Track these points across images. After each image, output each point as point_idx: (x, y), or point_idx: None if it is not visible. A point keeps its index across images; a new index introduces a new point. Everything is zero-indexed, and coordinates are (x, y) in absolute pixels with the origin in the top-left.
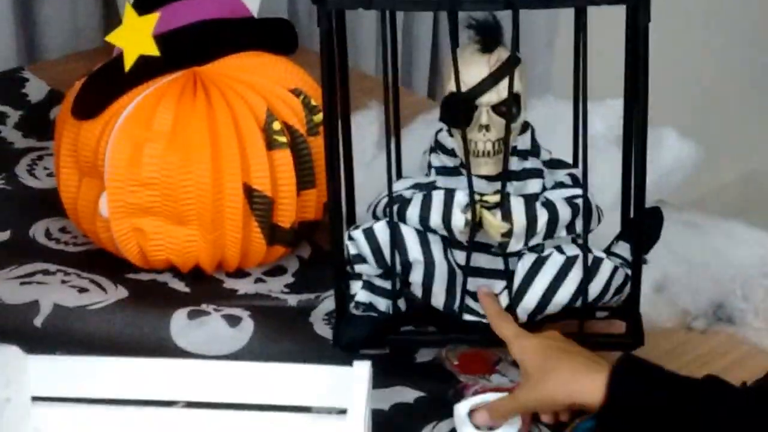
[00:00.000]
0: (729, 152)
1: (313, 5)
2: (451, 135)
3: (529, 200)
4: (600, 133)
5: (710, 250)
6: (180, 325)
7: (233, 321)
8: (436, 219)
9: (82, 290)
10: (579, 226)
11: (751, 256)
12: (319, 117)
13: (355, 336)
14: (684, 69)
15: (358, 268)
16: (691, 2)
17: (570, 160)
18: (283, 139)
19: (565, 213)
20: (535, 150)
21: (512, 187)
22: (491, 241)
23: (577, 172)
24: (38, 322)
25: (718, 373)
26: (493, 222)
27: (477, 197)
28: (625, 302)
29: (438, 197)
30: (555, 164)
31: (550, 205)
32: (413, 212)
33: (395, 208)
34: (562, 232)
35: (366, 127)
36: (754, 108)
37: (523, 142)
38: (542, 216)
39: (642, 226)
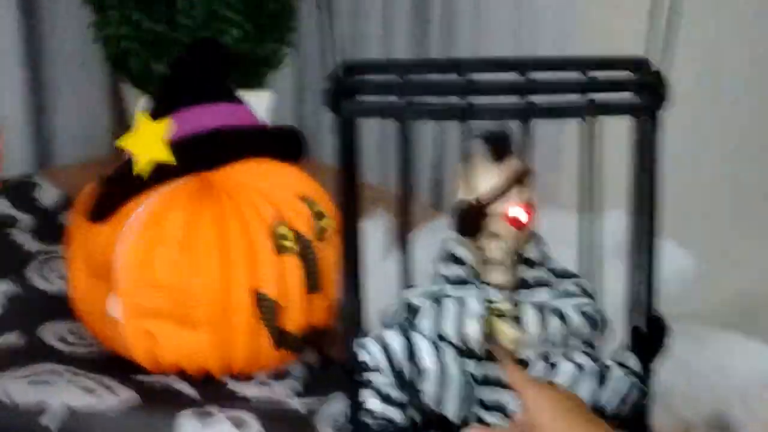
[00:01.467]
0: (727, 267)
1: (319, 114)
2: (461, 244)
3: (541, 308)
4: (603, 246)
5: (710, 361)
6: (187, 428)
7: (239, 423)
8: (449, 328)
9: (91, 391)
10: (589, 334)
11: (751, 368)
12: (326, 223)
13: None
14: (684, 182)
15: (371, 376)
16: (695, 114)
17: (575, 270)
18: (291, 244)
19: (576, 320)
20: (543, 259)
21: (523, 295)
22: None
23: (584, 282)
24: (46, 422)
25: None
26: (506, 331)
27: (489, 306)
28: (634, 411)
29: (451, 306)
30: (562, 274)
31: (561, 313)
32: (425, 321)
33: (407, 316)
34: (573, 340)
35: (373, 234)
36: (753, 224)
37: (531, 252)
38: (554, 324)
39: (651, 335)
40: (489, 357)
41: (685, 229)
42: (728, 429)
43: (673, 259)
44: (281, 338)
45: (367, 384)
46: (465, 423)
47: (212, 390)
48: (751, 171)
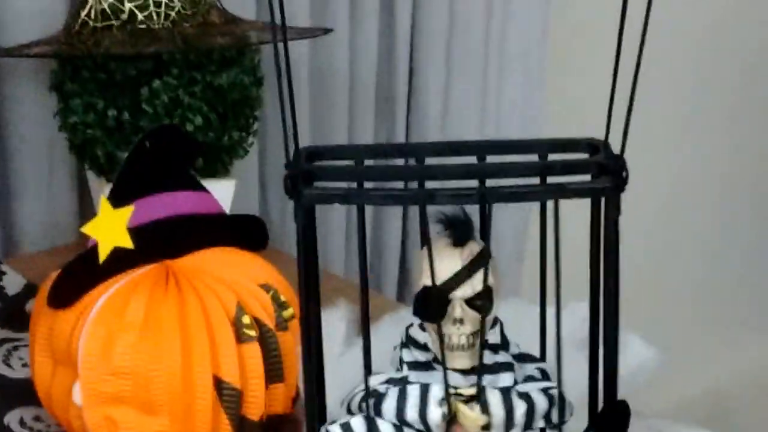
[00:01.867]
0: (695, 364)
1: (282, 204)
2: (423, 329)
3: (505, 392)
4: (563, 337)
5: None
6: None
7: None
8: (412, 414)
9: None
10: (554, 416)
11: None
12: (288, 312)
13: None
14: (649, 276)
15: None
16: (653, 201)
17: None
18: (252, 333)
19: (541, 402)
20: (505, 344)
21: (486, 380)
22: None
23: (546, 365)
24: None
25: None
26: (471, 415)
27: (452, 390)
28: None
29: (413, 392)
30: (524, 358)
31: (526, 396)
32: (389, 407)
33: (370, 402)
34: (539, 422)
35: (334, 323)
36: (719, 321)
37: (493, 337)
38: (520, 407)
39: (612, 420)
40: None
41: (651, 324)
42: None
43: (637, 353)
44: (243, 427)
45: None
46: None
47: None
48: (718, 264)
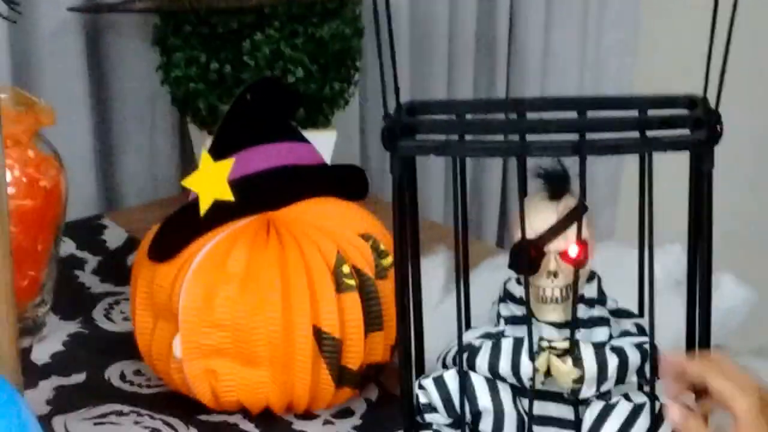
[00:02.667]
0: None
1: (383, 153)
2: (520, 283)
3: (598, 346)
4: (659, 279)
5: None
6: None
7: None
8: (505, 367)
9: (155, 431)
10: (647, 370)
11: None
12: (387, 261)
13: None
14: (742, 213)
15: (429, 417)
16: (751, 147)
17: (631, 304)
18: (352, 282)
19: (634, 358)
20: (602, 299)
21: (580, 334)
22: (562, 389)
23: (643, 321)
24: None
25: None
26: (563, 369)
27: (546, 344)
28: None
29: (507, 345)
30: (621, 314)
31: (619, 351)
32: (482, 360)
33: (465, 356)
34: (632, 377)
35: (432, 271)
36: None
37: (589, 291)
38: (612, 361)
39: None
40: (546, 395)
41: (746, 263)
42: None
43: (731, 293)
44: (342, 376)
45: (425, 424)
46: None
47: (275, 428)
48: None
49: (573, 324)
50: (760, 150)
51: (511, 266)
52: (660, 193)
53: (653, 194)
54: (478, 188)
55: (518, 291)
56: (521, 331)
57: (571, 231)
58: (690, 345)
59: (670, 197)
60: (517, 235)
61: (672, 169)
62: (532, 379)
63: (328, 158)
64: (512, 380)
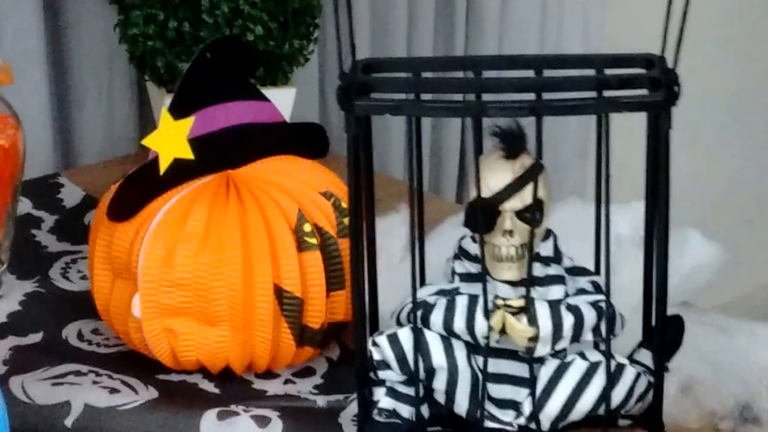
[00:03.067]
0: (751, 259)
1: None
2: (475, 241)
3: (554, 305)
4: (626, 236)
5: (735, 351)
6: (209, 426)
7: (262, 422)
8: (459, 324)
9: (113, 391)
10: (603, 329)
11: None
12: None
13: None
14: (708, 173)
15: (382, 374)
16: (713, 106)
17: (592, 263)
18: (313, 240)
19: (590, 316)
20: (557, 257)
21: (536, 292)
22: (517, 347)
23: (599, 279)
24: (69, 422)
25: None
26: (519, 327)
27: (501, 302)
28: (648, 410)
29: (461, 302)
30: (577, 271)
31: (574, 309)
32: (437, 318)
33: (419, 314)
34: (587, 335)
35: (395, 229)
36: None
37: (545, 249)
38: (568, 320)
39: (664, 335)
40: (500, 353)
41: (711, 220)
42: (754, 419)
43: (699, 250)
44: (303, 335)
45: (379, 381)
46: (476, 419)
47: (235, 388)
48: None
49: (528, 282)
50: (720, 108)
51: (466, 224)
52: (630, 149)
53: (618, 152)
54: (437, 145)
55: (473, 248)
56: (476, 288)
57: (527, 190)
58: (647, 302)
59: (640, 154)
60: (473, 194)
61: (642, 126)
62: (487, 337)
63: (287, 116)
64: (467, 338)
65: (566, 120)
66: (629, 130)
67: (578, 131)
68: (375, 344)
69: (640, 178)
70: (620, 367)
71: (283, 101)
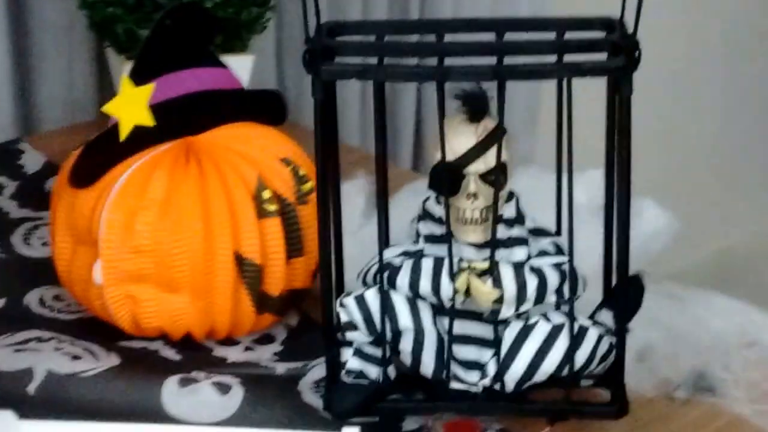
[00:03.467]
0: (704, 227)
1: (300, 78)
2: (439, 203)
3: (518, 267)
4: (582, 204)
5: (690, 320)
6: (171, 393)
7: (223, 389)
8: (425, 286)
9: (75, 357)
10: (566, 291)
11: (731, 325)
12: (307, 186)
13: (346, 404)
14: (659, 141)
15: (349, 335)
16: (669, 74)
17: (553, 230)
18: (273, 207)
19: (553, 278)
20: (520, 218)
21: (499, 254)
22: (481, 309)
23: (561, 240)
24: (31, 389)
25: None
26: (483, 289)
27: (466, 264)
28: (609, 371)
29: (427, 264)
30: (539, 233)
31: (538, 271)
32: (403, 279)
33: (385, 275)
34: (551, 297)
35: (354, 196)
36: (729, 183)
37: (508, 211)
38: (532, 282)
39: (626, 295)
40: (465, 315)
41: (665, 188)
42: (709, 387)
43: (653, 219)
44: (263, 302)
45: (346, 343)
46: (442, 380)
47: (196, 355)
48: (730, 130)
49: (493, 245)
50: (678, 75)
51: (431, 187)
52: (582, 116)
53: (573, 118)
54: (392, 112)
55: (437, 210)
56: (440, 249)
57: (491, 153)
58: (607, 271)
59: (593, 121)
60: (437, 157)
61: (596, 93)
62: (452, 299)
63: (245, 83)
64: (432, 300)
65: (515, 85)
66: (579, 96)
67: (528, 97)
68: (342, 305)
69: (593, 144)
70: (583, 329)
71: (241, 68)
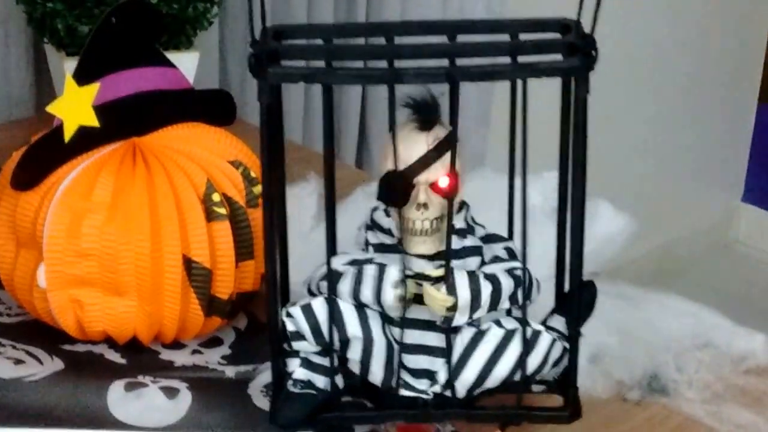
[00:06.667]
0: (651, 223)
1: (244, 74)
2: (388, 215)
3: (472, 274)
4: (536, 206)
5: (643, 321)
6: (117, 397)
7: (171, 393)
8: (367, 294)
9: (18, 362)
10: (520, 297)
11: (684, 326)
12: (258, 189)
13: (292, 415)
14: (610, 141)
15: (296, 345)
16: (617, 74)
17: (505, 232)
18: (222, 210)
19: (507, 284)
20: (471, 228)
21: (453, 265)
22: (434, 317)
23: (513, 245)
24: None
25: None
26: (438, 296)
27: (411, 272)
28: (562, 375)
29: (370, 272)
30: (491, 239)
31: (492, 278)
32: (345, 287)
33: (332, 283)
34: (505, 303)
35: (305, 198)
36: (667, 181)
37: (458, 221)
38: (486, 288)
39: (579, 301)
40: (414, 323)
41: (614, 188)
42: (662, 389)
43: (609, 221)
44: (212, 305)
45: (292, 352)
46: (389, 388)
47: (142, 359)
48: (674, 131)
49: (448, 251)
50: (636, 73)
51: (379, 198)
52: (535, 117)
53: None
54: (337, 111)
55: (386, 222)
56: (389, 259)
57: (441, 162)
58: (560, 275)
59: (542, 122)
60: (387, 166)
61: (545, 94)
62: (399, 308)
63: (191, 80)
64: (376, 308)
65: (466, 88)
66: (531, 95)
67: (480, 99)
68: (289, 315)
69: (545, 145)
70: (536, 334)
71: (187, 66)
